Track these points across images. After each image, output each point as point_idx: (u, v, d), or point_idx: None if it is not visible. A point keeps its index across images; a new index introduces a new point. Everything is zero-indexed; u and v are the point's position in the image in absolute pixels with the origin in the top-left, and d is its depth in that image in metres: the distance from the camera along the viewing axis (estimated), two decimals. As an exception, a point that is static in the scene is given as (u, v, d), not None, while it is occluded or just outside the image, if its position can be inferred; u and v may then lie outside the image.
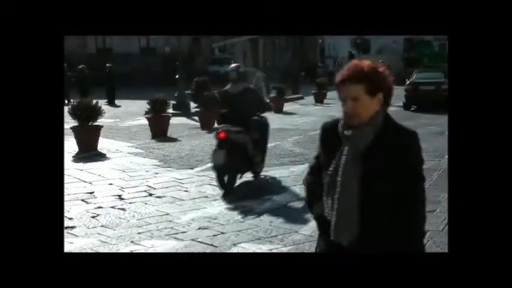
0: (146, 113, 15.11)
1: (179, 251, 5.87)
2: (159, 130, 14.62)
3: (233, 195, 8.17)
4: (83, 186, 8.94)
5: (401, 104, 22.89)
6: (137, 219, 7.03)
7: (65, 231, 6.32)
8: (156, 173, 9.87)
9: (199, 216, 7.13)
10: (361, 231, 2.54)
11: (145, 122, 15.48)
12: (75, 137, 12.41)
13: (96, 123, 12.60)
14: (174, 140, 14.08)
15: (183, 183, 8.98)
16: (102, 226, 6.79)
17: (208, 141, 13.67)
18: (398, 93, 24.57)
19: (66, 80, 21.61)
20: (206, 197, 8.16)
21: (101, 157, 11.68)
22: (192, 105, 20.52)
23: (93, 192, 8.50)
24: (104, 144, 12.90)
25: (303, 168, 9.07)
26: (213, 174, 9.52)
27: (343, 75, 2.59)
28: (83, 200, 8.03)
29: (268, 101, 10.34)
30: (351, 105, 2.55)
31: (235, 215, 7.13)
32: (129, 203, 7.86)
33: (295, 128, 16.64)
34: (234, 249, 5.89)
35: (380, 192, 2.52)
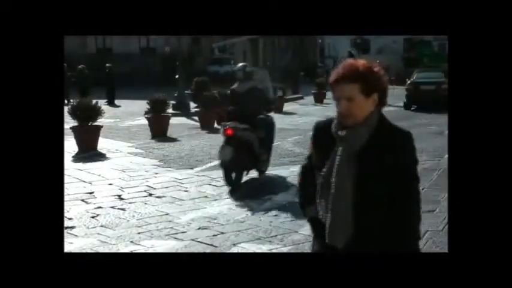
0: (146, 113, 15.11)
1: (179, 251, 5.87)
2: (158, 130, 14.62)
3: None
4: (82, 186, 8.94)
5: (402, 104, 23.09)
6: (137, 219, 7.03)
7: (65, 231, 6.31)
8: (156, 173, 9.87)
9: (199, 216, 7.13)
10: (356, 233, 2.52)
11: (145, 122, 15.48)
12: (75, 137, 12.41)
13: (96, 123, 12.60)
14: (173, 140, 14.08)
15: (182, 183, 8.98)
16: (102, 226, 6.79)
17: (208, 141, 13.68)
18: (399, 93, 24.75)
19: (66, 80, 21.60)
20: (206, 197, 8.16)
21: (100, 157, 11.68)
22: (192, 105, 20.53)
23: (92, 192, 8.50)
24: (103, 144, 12.90)
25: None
26: (212, 174, 9.55)
27: (338, 74, 2.55)
28: (82, 200, 8.03)
29: (276, 97, 10.57)
30: (345, 105, 2.52)
31: (235, 215, 7.13)
32: (129, 203, 7.86)
33: (295, 128, 16.63)
34: (234, 249, 5.89)
35: (375, 193, 2.50)
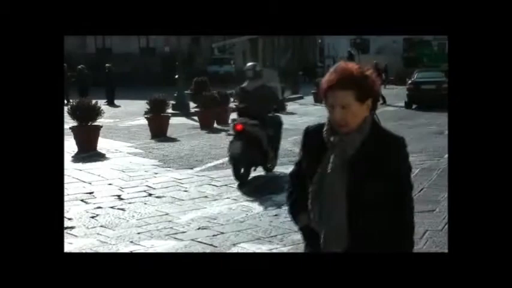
0: (146, 113, 15.11)
1: (179, 251, 5.87)
2: (158, 130, 14.62)
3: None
4: (82, 186, 8.93)
5: (402, 104, 23.32)
6: (137, 219, 7.02)
7: (65, 231, 6.31)
8: (156, 173, 9.87)
9: (198, 216, 7.12)
10: (350, 241, 2.47)
11: (144, 122, 15.47)
12: (75, 137, 12.40)
13: (95, 123, 12.60)
14: (173, 140, 14.08)
15: (182, 183, 8.98)
16: (101, 226, 6.79)
17: (207, 141, 13.68)
18: (399, 93, 24.61)
19: (66, 80, 21.61)
20: (206, 197, 8.16)
21: (100, 157, 11.68)
22: (192, 105, 20.52)
23: (92, 193, 8.50)
24: (103, 144, 12.90)
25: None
26: (212, 174, 9.55)
27: (331, 81, 2.46)
28: (82, 200, 8.03)
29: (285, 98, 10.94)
30: (340, 113, 2.44)
31: (235, 215, 7.13)
32: (129, 203, 7.85)
33: (295, 128, 16.61)
34: (234, 249, 5.89)
35: (368, 200, 2.45)
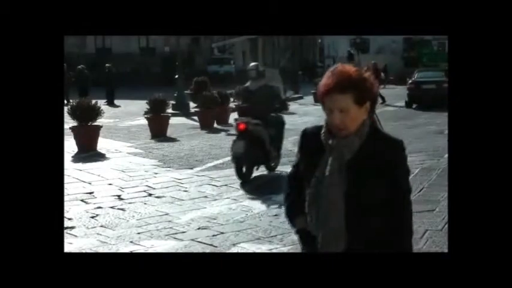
0: (145, 113, 15.12)
1: (179, 251, 5.87)
2: (158, 130, 14.62)
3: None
4: (82, 186, 8.94)
5: (402, 103, 23.44)
6: (137, 220, 7.02)
7: (65, 231, 6.31)
8: (156, 173, 9.87)
9: (198, 216, 7.13)
10: (348, 245, 2.46)
11: (144, 122, 15.48)
12: (75, 137, 12.41)
13: (95, 123, 12.60)
14: (173, 140, 14.08)
15: (182, 183, 8.98)
16: (101, 226, 6.79)
17: (207, 141, 13.68)
18: (399, 93, 24.60)
19: (66, 80, 21.61)
20: (206, 197, 8.16)
21: (100, 157, 11.68)
22: (192, 105, 20.52)
23: (92, 193, 8.50)
24: (103, 144, 12.90)
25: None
26: (212, 174, 9.55)
27: (329, 85, 2.41)
28: (82, 200, 8.03)
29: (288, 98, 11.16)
30: (338, 116, 2.40)
31: (235, 215, 7.13)
32: (129, 203, 7.85)
33: (295, 128, 16.61)
34: (234, 249, 5.89)
35: (366, 203, 2.43)
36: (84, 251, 5.86)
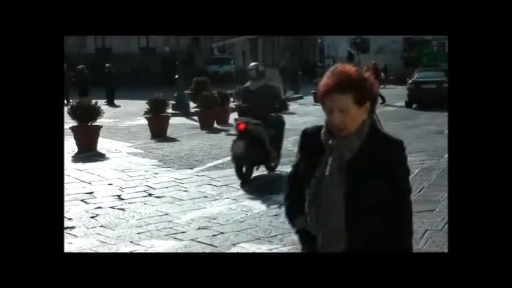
0: (145, 113, 15.12)
1: (179, 251, 5.87)
2: (158, 130, 14.62)
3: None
4: (82, 186, 8.94)
5: (402, 104, 23.49)
6: (137, 220, 7.02)
7: (65, 231, 6.31)
8: (156, 173, 9.87)
9: (198, 216, 7.12)
10: (348, 245, 2.45)
11: (144, 122, 15.48)
12: (75, 137, 12.41)
13: (95, 124, 12.60)
14: (173, 140, 14.08)
15: (182, 183, 8.98)
16: (101, 226, 6.79)
17: (207, 141, 13.68)
18: (399, 93, 24.61)
19: (65, 80, 21.62)
20: (206, 197, 8.16)
21: (100, 157, 11.68)
22: (192, 105, 20.53)
23: (92, 193, 8.50)
24: (103, 144, 12.90)
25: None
26: (212, 174, 9.55)
27: (329, 85, 2.41)
28: (82, 200, 8.03)
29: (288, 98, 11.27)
30: (338, 117, 2.40)
31: (235, 215, 7.13)
32: (129, 203, 7.85)
33: (295, 127, 16.62)
34: (234, 249, 5.89)
35: (366, 204, 2.42)
36: (84, 251, 5.86)
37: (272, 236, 6.24)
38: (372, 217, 2.44)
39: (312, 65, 49.96)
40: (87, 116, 12.35)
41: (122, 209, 7.50)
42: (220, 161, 10.79)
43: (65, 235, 6.11)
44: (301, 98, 29.40)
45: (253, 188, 8.70)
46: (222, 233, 6.42)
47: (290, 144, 12.66)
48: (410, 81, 24.37)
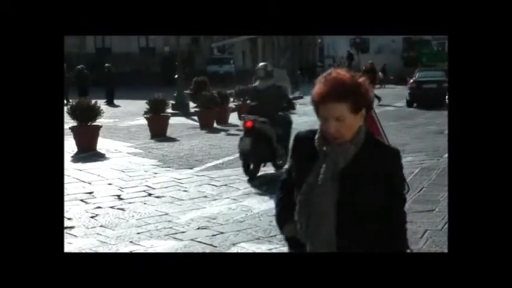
0: (145, 113, 15.12)
1: (178, 251, 5.87)
2: (158, 130, 14.62)
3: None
4: (82, 186, 8.94)
5: (402, 103, 23.64)
6: (136, 219, 7.02)
7: (65, 231, 6.31)
8: (155, 173, 9.88)
9: (198, 216, 7.13)
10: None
11: (144, 122, 15.48)
12: (74, 137, 12.41)
13: (95, 123, 12.60)
14: (173, 140, 14.08)
15: (182, 183, 8.98)
16: (101, 226, 6.79)
17: (207, 141, 13.68)
18: (399, 93, 24.60)
19: (65, 80, 21.63)
20: (205, 196, 8.16)
21: (100, 157, 11.68)
22: (191, 105, 20.53)
23: (92, 192, 8.50)
24: (103, 144, 12.90)
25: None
26: (212, 174, 9.56)
27: (323, 93, 2.33)
28: (82, 200, 8.03)
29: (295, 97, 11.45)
30: (334, 125, 2.33)
31: (235, 215, 7.13)
32: (128, 203, 7.86)
33: (295, 127, 16.62)
34: (234, 249, 5.89)
35: (359, 213, 2.37)
36: (84, 251, 5.86)
37: (272, 236, 6.24)
38: (365, 225, 2.39)
39: (311, 64, 49.98)
40: (86, 116, 12.35)
41: (122, 209, 7.51)
42: (220, 160, 10.79)
43: (65, 235, 6.11)
44: (301, 97, 29.40)
45: (254, 187, 8.70)
46: (222, 232, 6.42)
47: (290, 144, 12.69)
48: (411, 80, 24.56)
